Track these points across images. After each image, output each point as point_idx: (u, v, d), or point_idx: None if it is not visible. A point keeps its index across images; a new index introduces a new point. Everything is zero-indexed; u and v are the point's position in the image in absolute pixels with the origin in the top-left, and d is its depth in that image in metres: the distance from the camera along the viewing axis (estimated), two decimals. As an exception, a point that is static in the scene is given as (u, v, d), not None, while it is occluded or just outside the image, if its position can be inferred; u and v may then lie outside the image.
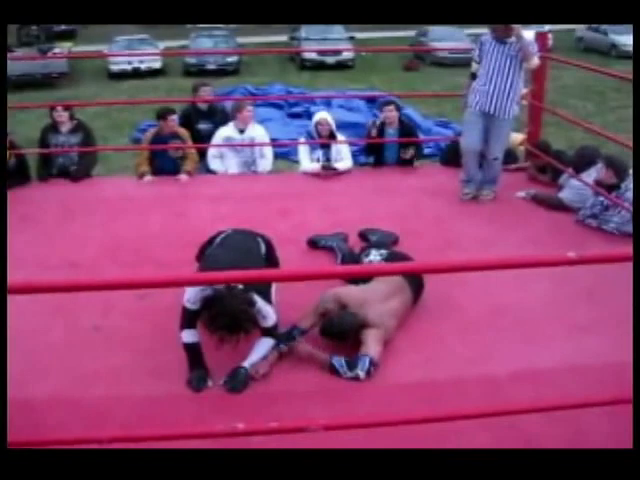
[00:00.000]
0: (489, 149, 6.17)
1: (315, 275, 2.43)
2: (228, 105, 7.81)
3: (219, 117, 7.47)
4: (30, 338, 3.93)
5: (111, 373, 3.65)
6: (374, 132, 7.19)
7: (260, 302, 3.58)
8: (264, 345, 3.71)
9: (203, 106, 7.54)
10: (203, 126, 7.41)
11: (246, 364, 3.60)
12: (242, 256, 3.79)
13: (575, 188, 5.98)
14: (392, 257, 4.50)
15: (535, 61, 6.00)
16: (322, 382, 3.63)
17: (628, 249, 2.31)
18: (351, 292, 4.04)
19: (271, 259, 4.14)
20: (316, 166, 6.95)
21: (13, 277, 2.02)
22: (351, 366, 3.63)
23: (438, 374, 3.71)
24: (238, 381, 3.54)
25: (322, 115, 7.26)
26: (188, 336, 3.63)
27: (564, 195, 6.03)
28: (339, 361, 3.66)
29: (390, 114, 7.12)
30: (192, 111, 7.51)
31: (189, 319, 3.62)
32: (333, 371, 3.65)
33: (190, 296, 3.55)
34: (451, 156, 7.27)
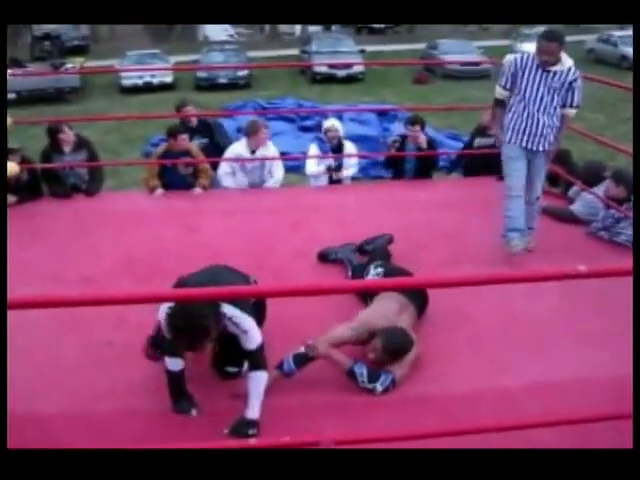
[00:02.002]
0: (532, 187, 5.44)
1: (322, 290, 2.42)
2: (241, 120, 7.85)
3: (211, 131, 7.44)
4: (42, 352, 3.94)
5: (123, 388, 3.66)
6: (393, 151, 7.23)
7: (235, 311, 3.32)
8: (257, 385, 3.36)
9: (192, 123, 7.47)
10: (196, 142, 7.30)
11: (249, 414, 3.32)
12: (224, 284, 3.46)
13: (587, 201, 5.97)
14: (391, 272, 4.49)
15: (572, 116, 5.33)
16: (334, 396, 3.63)
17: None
18: (374, 316, 3.96)
19: (259, 304, 3.77)
20: (321, 168, 7.05)
21: (25, 291, 2.03)
22: (372, 378, 3.61)
23: (451, 388, 3.70)
24: (242, 433, 3.27)
25: (331, 122, 7.44)
26: (172, 364, 3.46)
27: (576, 208, 6.02)
28: (361, 369, 3.62)
29: (414, 134, 7.15)
30: (180, 129, 7.23)
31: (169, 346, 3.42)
32: (351, 378, 3.61)
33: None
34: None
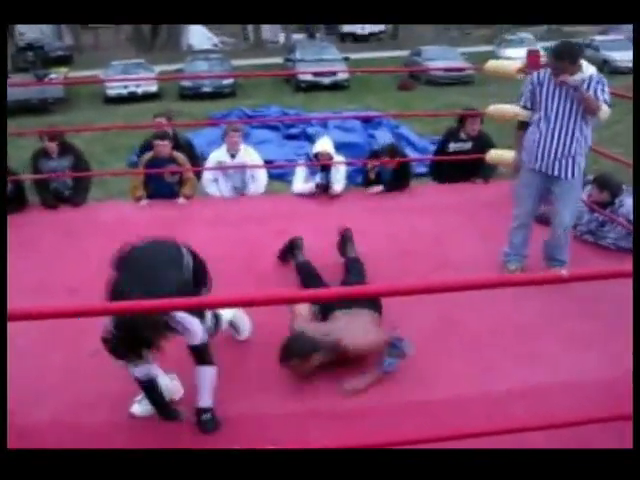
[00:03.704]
0: (558, 218, 5.05)
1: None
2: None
3: (183, 151, 7.23)
4: (29, 362, 3.93)
5: (110, 398, 3.65)
6: (372, 175, 7.17)
7: (181, 314, 3.26)
8: (204, 378, 3.42)
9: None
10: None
11: (202, 404, 3.42)
12: (159, 271, 3.37)
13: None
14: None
15: (604, 111, 4.75)
16: (319, 403, 3.64)
17: (620, 266, 2.33)
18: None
19: (199, 270, 3.66)
20: (309, 186, 6.95)
21: (12, 303, 2.02)
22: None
23: (438, 393, 3.72)
24: (207, 427, 3.41)
25: (323, 147, 7.03)
26: (138, 372, 3.39)
27: None
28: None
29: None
30: (159, 134, 7.16)
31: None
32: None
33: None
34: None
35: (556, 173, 4.91)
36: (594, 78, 4.74)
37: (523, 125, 5.18)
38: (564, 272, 2.29)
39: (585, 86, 4.70)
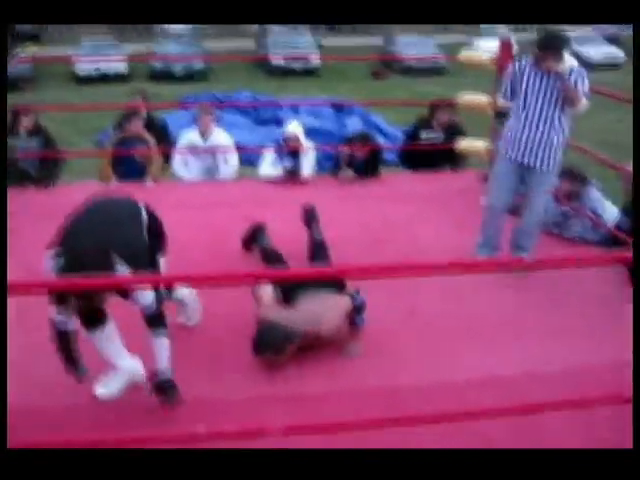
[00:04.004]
0: (530, 206, 5.07)
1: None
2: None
3: (156, 132, 7.14)
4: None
5: (70, 380, 3.61)
6: (344, 163, 7.10)
7: (125, 269, 3.09)
8: (160, 347, 3.30)
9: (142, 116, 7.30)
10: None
11: (160, 374, 3.32)
12: (114, 225, 3.30)
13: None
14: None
15: (583, 103, 4.79)
16: (280, 388, 3.64)
17: (579, 254, 2.35)
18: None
19: (155, 231, 3.57)
20: (277, 171, 6.92)
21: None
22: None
23: (397, 381, 3.73)
24: (169, 395, 3.31)
25: (292, 130, 7.02)
26: (59, 319, 3.24)
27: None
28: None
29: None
30: (132, 113, 7.14)
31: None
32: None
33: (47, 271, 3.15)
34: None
35: (532, 163, 4.90)
36: (575, 70, 4.75)
37: (500, 114, 5.22)
38: (526, 257, 2.28)
39: (566, 77, 4.71)
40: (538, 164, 4.89)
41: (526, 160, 4.91)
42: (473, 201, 6.16)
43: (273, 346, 3.71)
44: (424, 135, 7.45)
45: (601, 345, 4.08)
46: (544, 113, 4.80)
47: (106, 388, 3.52)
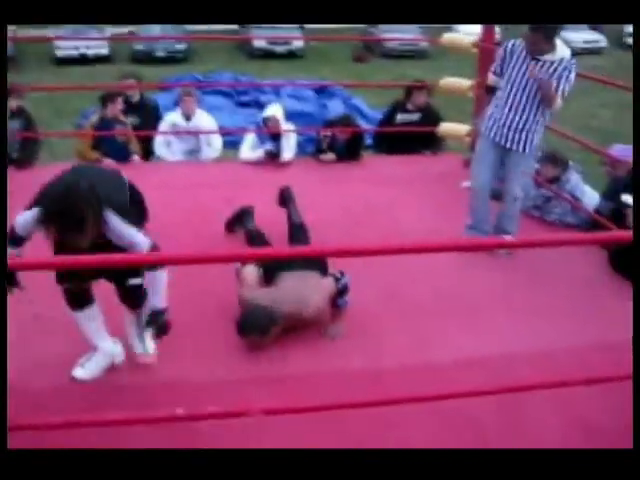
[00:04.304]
0: (507, 188, 5.10)
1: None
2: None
3: (148, 112, 7.31)
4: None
5: (53, 362, 3.60)
6: (325, 145, 7.13)
7: (117, 222, 3.16)
8: (156, 281, 3.30)
9: (133, 99, 7.39)
10: (130, 119, 7.15)
11: (157, 304, 3.32)
12: (100, 182, 3.25)
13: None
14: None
15: (557, 102, 4.77)
16: (263, 369, 3.64)
17: (561, 235, 2.36)
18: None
19: (137, 204, 3.61)
20: (258, 154, 6.90)
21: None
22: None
23: (381, 361, 3.75)
24: (161, 326, 3.35)
25: (272, 112, 6.96)
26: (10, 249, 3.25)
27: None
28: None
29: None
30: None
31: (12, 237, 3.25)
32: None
33: (21, 222, 3.21)
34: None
35: (508, 145, 4.92)
36: (564, 63, 4.71)
37: (490, 89, 5.17)
38: (508, 237, 2.30)
39: (552, 70, 4.69)
40: (514, 147, 4.91)
41: (503, 142, 4.93)
42: (454, 184, 6.19)
43: (257, 327, 3.71)
44: (399, 117, 7.46)
45: (584, 326, 4.11)
46: (524, 98, 4.80)
47: (85, 370, 3.51)
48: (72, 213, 2.94)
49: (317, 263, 4.17)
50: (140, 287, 3.47)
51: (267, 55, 25.74)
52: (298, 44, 26.06)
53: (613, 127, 14.64)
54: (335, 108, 13.45)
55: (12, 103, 6.71)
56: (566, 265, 4.78)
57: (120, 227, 3.17)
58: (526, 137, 4.88)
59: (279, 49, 26.02)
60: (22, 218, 3.19)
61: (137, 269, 3.42)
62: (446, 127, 7.23)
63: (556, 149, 6.07)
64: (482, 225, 5.18)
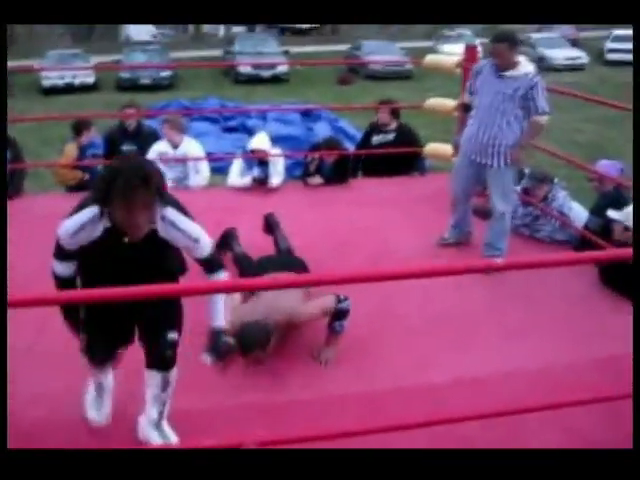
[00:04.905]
0: (493, 204, 5.17)
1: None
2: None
3: (145, 139, 7.32)
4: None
5: (47, 395, 3.57)
6: (312, 168, 7.14)
7: (178, 215, 2.88)
8: (218, 301, 3.13)
9: (130, 127, 7.43)
10: (127, 148, 7.22)
11: (220, 324, 3.16)
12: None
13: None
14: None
15: (544, 120, 4.93)
16: (259, 397, 3.62)
17: (549, 256, 2.36)
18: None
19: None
20: (246, 180, 6.89)
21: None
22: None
23: (376, 384, 3.73)
24: (220, 351, 3.20)
25: (258, 144, 6.96)
26: (61, 268, 3.00)
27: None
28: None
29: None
30: (117, 132, 7.45)
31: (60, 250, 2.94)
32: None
33: (67, 230, 2.85)
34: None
35: (483, 161, 5.03)
36: (528, 79, 4.82)
37: (466, 107, 5.37)
38: (498, 260, 2.29)
39: (519, 84, 4.80)
40: (489, 162, 5.01)
41: (479, 159, 5.05)
42: (440, 205, 6.19)
43: (258, 343, 3.68)
44: (374, 138, 7.49)
45: (580, 342, 4.11)
46: (492, 115, 4.91)
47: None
48: (138, 167, 2.70)
49: (295, 264, 4.19)
50: (177, 345, 3.16)
51: (252, 80, 25.82)
52: (283, 68, 26.16)
53: (598, 141, 14.73)
54: (321, 131, 13.46)
55: None
56: (558, 281, 4.78)
57: (179, 220, 2.88)
58: (498, 152, 4.95)
59: (264, 74, 26.11)
60: (71, 223, 2.84)
61: (175, 321, 3.16)
62: (432, 147, 7.26)
63: (540, 166, 6.10)
64: (462, 225, 5.46)
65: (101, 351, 3.21)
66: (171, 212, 2.84)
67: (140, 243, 2.81)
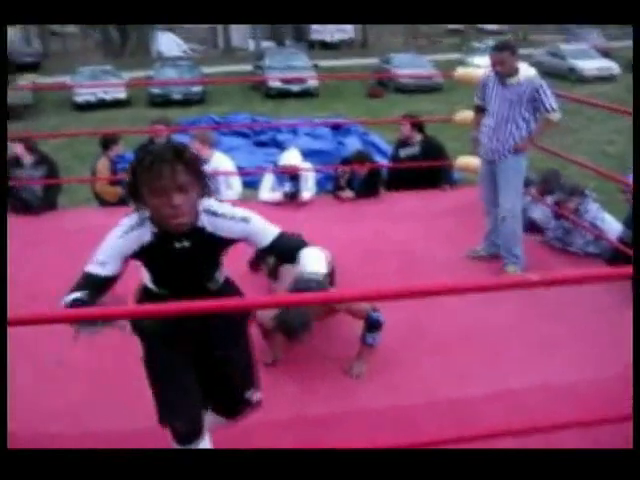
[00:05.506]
0: (499, 204, 5.31)
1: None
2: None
3: None
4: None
5: (75, 408, 3.59)
6: (342, 182, 7.16)
7: (216, 203, 2.55)
8: (313, 252, 2.59)
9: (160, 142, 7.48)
10: None
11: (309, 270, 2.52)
12: None
13: (544, 210, 6.04)
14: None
15: (555, 117, 5.12)
16: (290, 410, 3.61)
17: (587, 271, 2.33)
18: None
19: None
20: (277, 195, 6.93)
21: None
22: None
23: (409, 398, 3.71)
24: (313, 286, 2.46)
25: (289, 160, 7.03)
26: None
27: (537, 215, 6.08)
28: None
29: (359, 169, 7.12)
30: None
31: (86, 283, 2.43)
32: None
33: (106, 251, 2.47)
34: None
35: (494, 156, 5.26)
36: (531, 84, 5.08)
37: (478, 109, 5.53)
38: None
39: (522, 89, 5.06)
40: (497, 157, 5.24)
41: (490, 157, 5.30)
42: (471, 218, 6.17)
43: (301, 326, 3.63)
44: (402, 152, 7.51)
45: (611, 357, 4.05)
46: (503, 118, 5.15)
47: None
48: (167, 145, 2.43)
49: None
50: (258, 404, 2.95)
51: (282, 94, 25.94)
52: (312, 83, 26.26)
53: (630, 152, 14.56)
54: (352, 145, 13.49)
55: (18, 149, 6.83)
56: (590, 294, 4.73)
57: (218, 206, 2.53)
58: (506, 147, 5.17)
59: (294, 88, 26.22)
60: (119, 231, 2.50)
61: (253, 378, 2.89)
62: (462, 160, 7.24)
63: (571, 178, 6.06)
64: (494, 237, 5.48)
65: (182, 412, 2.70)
66: (211, 202, 2.51)
67: (192, 245, 2.47)
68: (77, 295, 2.34)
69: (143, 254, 2.48)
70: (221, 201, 2.57)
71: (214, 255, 2.61)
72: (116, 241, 2.46)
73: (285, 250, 2.61)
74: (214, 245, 2.53)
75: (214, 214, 2.48)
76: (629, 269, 2.21)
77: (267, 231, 2.57)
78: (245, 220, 2.51)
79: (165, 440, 3.29)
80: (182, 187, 2.32)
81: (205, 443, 2.76)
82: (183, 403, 2.66)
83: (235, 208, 2.55)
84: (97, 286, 2.41)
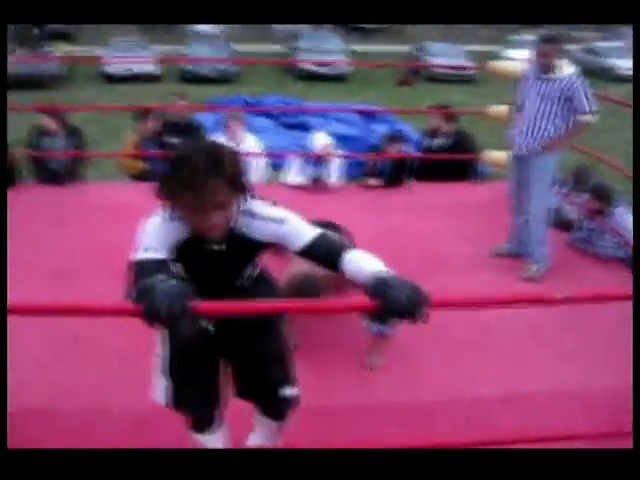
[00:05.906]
0: (524, 204, 5.31)
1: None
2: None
3: (190, 133, 7.29)
4: (10, 348, 3.88)
5: (90, 386, 3.61)
6: (372, 169, 7.14)
7: (255, 203, 2.37)
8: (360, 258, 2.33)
9: (180, 120, 7.45)
10: (172, 140, 7.22)
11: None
12: None
13: (575, 208, 6.00)
14: None
15: (590, 121, 5.01)
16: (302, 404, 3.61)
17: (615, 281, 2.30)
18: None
19: None
20: (304, 179, 6.92)
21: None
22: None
23: (425, 398, 3.69)
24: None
25: (322, 142, 7.06)
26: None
27: (569, 214, 6.03)
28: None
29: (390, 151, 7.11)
30: (165, 124, 7.44)
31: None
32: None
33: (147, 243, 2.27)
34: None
35: (523, 150, 5.15)
36: (577, 82, 4.94)
37: (518, 108, 5.38)
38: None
39: (562, 86, 4.93)
40: (528, 153, 5.13)
41: (521, 152, 5.18)
42: (497, 214, 6.11)
43: (316, 293, 3.62)
44: (432, 143, 7.54)
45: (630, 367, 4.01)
46: (539, 113, 5.03)
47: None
48: (208, 153, 2.16)
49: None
50: (296, 400, 2.83)
51: (314, 77, 25.85)
52: (344, 67, 26.14)
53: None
54: (381, 132, 13.42)
55: (51, 123, 6.82)
56: (610, 304, 4.67)
57: (256, 205, 2.37)
58: (538, 143, 5.06)
59: (325, 71, 26.11)
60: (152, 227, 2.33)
61: (289, 374, 2.78)
62: (488, 155, 7.18)
63: (601, 182, 5.98)
64: (520, 236, 5.43)
65: (196, 407, 2.77)
66: (250, 202, 2.33)
67: (228, 248, 2.34)
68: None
69: (178, 249, 2.31)
70: (260, 199, 2.40)
71: (250, 257, 2.47)
72: (158, 230, 2.29)
73: (322, 255, 2.33)
74: (250, 248, 2.39)
75: (251, 215, 2.32)
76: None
77: (302, 232, 2.33)
78: (281, 221, 2.32)
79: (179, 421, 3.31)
80: (221, 205, 2.17)
81: (216, 437, 2.84)
82: (195, 393, 2.68)
83: (273, 208, 2.38)
84: (161, 270, 2.13)
